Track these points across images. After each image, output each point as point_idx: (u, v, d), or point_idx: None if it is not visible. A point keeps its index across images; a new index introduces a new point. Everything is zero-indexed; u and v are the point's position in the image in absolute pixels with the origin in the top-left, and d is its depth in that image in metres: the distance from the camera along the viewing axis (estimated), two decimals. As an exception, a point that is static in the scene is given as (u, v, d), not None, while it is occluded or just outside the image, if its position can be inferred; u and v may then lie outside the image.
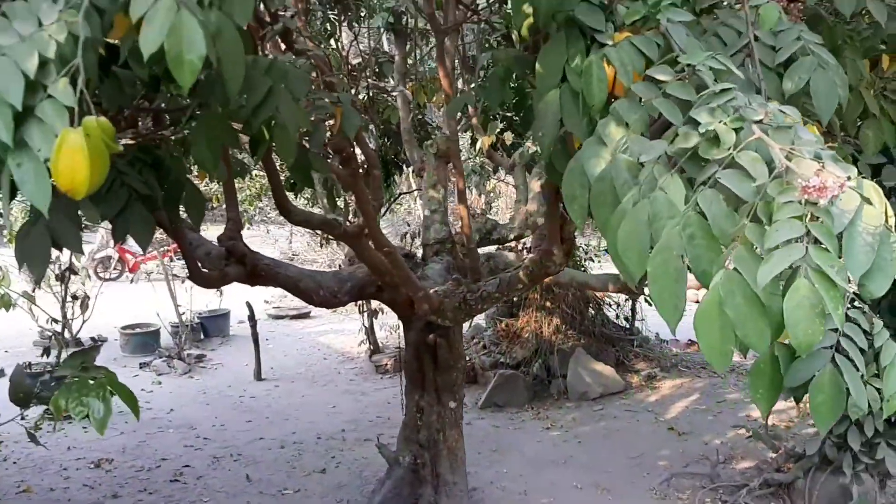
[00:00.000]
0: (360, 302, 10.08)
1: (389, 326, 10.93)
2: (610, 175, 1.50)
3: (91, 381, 2.01)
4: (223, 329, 12.08)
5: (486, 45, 6.72)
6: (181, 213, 2.69)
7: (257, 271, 4.86)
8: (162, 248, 19.59)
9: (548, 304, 9.17)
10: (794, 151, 1.26)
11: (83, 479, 6.34)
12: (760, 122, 1.32)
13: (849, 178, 1.20)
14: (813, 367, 1.52)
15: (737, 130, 1.33)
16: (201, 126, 1.88)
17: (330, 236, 5.17)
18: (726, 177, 1.31)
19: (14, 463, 6.59)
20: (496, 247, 6.57)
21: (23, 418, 3.84)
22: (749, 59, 2.02)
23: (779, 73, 2.02)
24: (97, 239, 16.14)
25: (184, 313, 11.14)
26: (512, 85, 2.44)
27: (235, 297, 11.40)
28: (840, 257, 1.19)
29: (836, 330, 1.53)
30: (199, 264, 4.41)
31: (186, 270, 4.46)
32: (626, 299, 9.98)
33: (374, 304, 10.86)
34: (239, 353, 11.04)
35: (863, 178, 1.44)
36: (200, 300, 11.78)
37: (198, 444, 7.36)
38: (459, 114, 5.81)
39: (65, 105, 1.32)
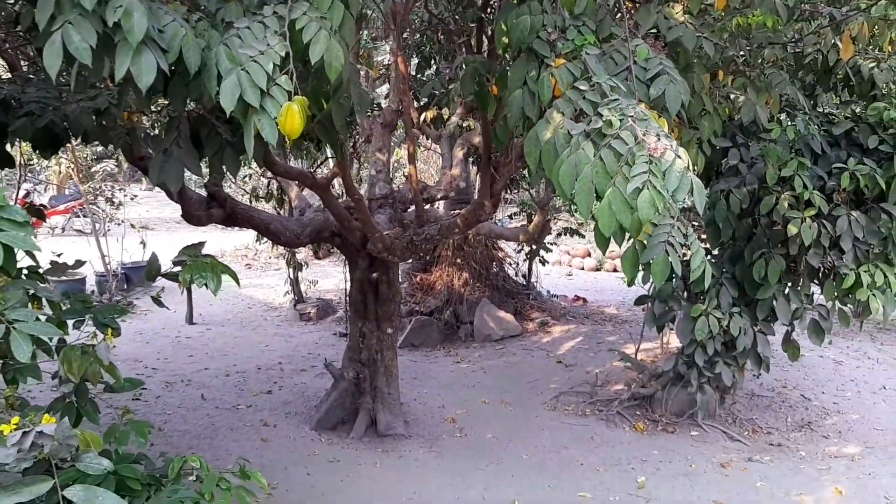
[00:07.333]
0: (287, 256, 11.00)
1: (308, 281, 11.90)
2: (553, 140, 2.73)
3: (205, 263, 3.02)
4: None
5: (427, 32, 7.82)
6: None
7: (235, 214, 5.79)
8: (69, 203, 19.45)
9: (458, 261, 10.37)
10: (647, 131, 2.53)
11: (44, 400, 6.99)
12: (632, 116, 2.58)
13: (671, 145, 2.48)
14: (655, 251, 2.80)
15: (621, 120, 2.57)
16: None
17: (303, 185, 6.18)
18: (615, 143, 2.54)
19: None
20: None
21: None
22: (630, 75, 3.30)
23: (647, 84, 3.31)
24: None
25: (109, 263, 11.67)
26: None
27: (156, 250, 12.02)
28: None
29: (666, 232, 2.82)
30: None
31: (180, 211, 5.38)
32: (524, 260, 11.38)
33: (300, 257, 11.80)
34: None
35: (695, 147, 2.77)
36: (114, 251, 12.30)
37: (147, 372, 8.11)
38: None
39: (286, 89, 2.37)
